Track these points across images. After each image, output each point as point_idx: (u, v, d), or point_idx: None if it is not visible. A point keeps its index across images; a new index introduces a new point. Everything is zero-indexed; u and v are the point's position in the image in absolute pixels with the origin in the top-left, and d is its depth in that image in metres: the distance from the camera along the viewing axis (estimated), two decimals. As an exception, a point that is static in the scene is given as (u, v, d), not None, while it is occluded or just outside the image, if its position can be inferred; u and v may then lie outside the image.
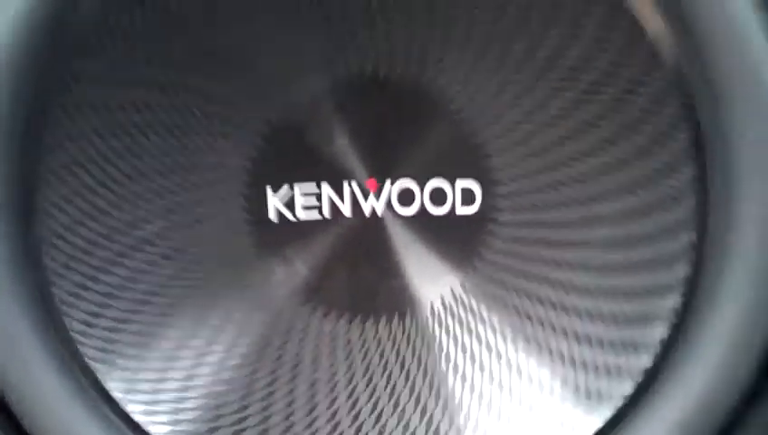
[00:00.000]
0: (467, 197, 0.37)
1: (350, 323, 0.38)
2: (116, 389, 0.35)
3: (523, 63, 0.34)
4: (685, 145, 0.32)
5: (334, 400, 0.37)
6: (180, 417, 0.36)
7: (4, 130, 0.30)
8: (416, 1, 0.34)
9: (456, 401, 0.37)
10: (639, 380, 0.34)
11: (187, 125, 0.35)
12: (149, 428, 0.35)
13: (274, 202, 0.37)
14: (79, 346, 0.34)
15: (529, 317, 0.37)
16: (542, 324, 0.37)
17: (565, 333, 0.36)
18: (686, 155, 0.33)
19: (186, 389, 0.37)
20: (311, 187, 0.37)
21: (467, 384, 0.37)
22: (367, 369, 0.38)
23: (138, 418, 0.35)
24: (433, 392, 0.37)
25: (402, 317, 0.38)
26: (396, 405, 0.37)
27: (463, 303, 0.38)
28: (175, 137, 0.35)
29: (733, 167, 0.31)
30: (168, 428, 0.36)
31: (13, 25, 0.29)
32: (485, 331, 0.37)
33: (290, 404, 0.37)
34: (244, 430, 0.36)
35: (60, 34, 0.31)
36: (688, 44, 0.31)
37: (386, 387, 0.37)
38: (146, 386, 0.36)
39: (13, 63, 0.30)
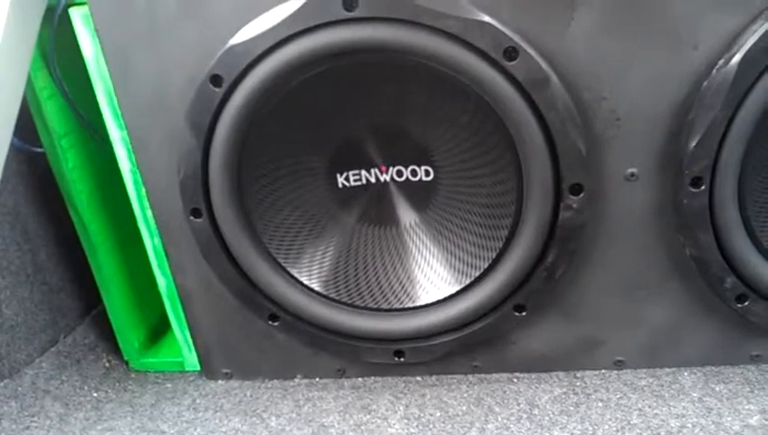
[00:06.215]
0: (425, 173, 0.79)
1: (377, 230, 0.84)
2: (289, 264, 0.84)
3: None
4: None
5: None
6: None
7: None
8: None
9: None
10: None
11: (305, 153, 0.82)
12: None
13: (341, 179, 0.82)
14: (266, 241, 0.84)
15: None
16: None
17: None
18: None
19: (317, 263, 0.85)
20: (356, 171, 0.82)
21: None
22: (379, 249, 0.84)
23: (296, 274, 0.84)
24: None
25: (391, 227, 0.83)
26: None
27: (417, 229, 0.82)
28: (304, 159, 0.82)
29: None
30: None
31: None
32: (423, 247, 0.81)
33: (359, 270, 0.84)
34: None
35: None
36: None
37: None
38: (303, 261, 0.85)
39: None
